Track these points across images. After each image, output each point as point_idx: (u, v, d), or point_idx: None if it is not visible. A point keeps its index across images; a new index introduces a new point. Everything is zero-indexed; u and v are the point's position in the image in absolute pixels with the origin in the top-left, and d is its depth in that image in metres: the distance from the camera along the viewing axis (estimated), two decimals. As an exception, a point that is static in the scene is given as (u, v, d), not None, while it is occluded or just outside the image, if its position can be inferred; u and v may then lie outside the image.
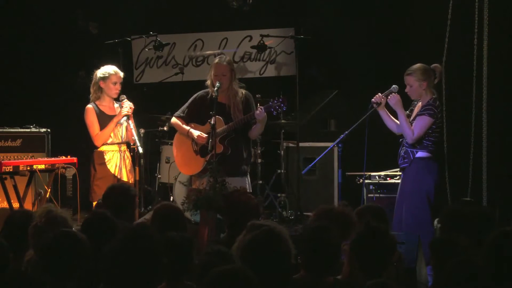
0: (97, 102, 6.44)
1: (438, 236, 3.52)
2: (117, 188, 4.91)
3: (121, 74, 6.50)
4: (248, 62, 8.97)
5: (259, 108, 5.87)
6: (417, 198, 5.94)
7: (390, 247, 3.46)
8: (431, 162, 6.02)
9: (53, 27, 8.62)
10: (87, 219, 3.99)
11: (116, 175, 6.41)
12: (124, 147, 6.50)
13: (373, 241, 3.38)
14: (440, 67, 6.20)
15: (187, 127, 6.07)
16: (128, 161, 6.51)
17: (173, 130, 7.95)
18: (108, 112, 6.44)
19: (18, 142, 7.38)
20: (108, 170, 6.39)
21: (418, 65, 6.12)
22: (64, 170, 6.57)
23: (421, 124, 5.95)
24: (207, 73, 6.26)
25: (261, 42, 8.27)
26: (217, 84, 5.89)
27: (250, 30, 8.86)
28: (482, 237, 3.53)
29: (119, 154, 6.44)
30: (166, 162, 7.91)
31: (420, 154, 6.01)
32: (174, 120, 6.25)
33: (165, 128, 8.05)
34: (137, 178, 6.50)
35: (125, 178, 6.44)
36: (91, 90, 6.47)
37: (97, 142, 6.41)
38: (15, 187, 6.59)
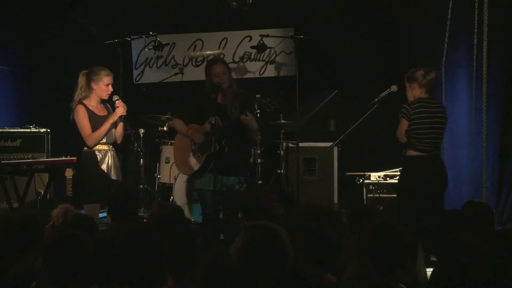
0: (85, 102, 6.39)
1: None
2: (120, 191, 4.89)
3: (113, 75, 6.48)
4: (248, 62, 8.97)
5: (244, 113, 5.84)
6: (407, 195, 6.06)
7: (406, 249, 3.32)
8: (420, 159, 6.06)
9: (53, 26, 8.62)
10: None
11: (109, 174, 6.38)
12: (112, 147, 6.48)
13: (386, 241, 3.28)
14: (424, 73, 6.20)
15: (186, 128, 6.08)
16: (116, 160, 6.50)
17: (172, 130, 7.97)
18: (97, 112, 6.40)
19: (18, 142, 7.38)
20: (101, 170, 6.35)
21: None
22: (64, 170, 6.55)
23: (399, 125, 6.16)
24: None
25: (261, 42, 8.27)
26: (217, 83, 5.91)
27: (249, 30, 8.86)
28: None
29: (110, 153, 6.42)
30: (166, 162, 7.91)
31: (409, 152, 6.15)
32: (174, 120, 6.26)
33: (164, 128, 8.05)
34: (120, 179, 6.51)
35: (114, 177, 6.41)
36: (79, 90, 6.38)
37: (90, 142, 6.32)
38: (15, 187, 6.59)
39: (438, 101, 6.24)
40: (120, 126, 6.44)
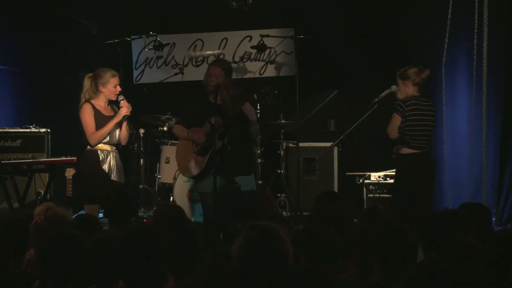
0: (93, 101, 6.38)
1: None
2: (114, 191, 4.88)
3: (118, 75, 6.47)
4: (248, 62, 8.97)
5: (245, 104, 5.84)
6: (404, 193, 6.09)
7: (409, 249, 3.35)
8: (414, 157, 6.10)
9: (53, 26, 8.62)
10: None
11: (109, 175, 6.36)
12: (115, 148, 6.46)
13: (389, 240, 3.30)
14: (418, 71, 6.23)
15: (187, 131, 6.07)
16: (119, 162, 6.48)
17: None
18: (104, 112, 6.38)
19: (18, 142, 7.38)
20: (102, 170, 6.34)
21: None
22: (64, 170, 6.54)
23: (391, 121, 6.20)
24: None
25: (261, 42, 8.27)
26: (216, 84, 5.91)
27: (250, 30, 8.86)
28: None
29: (112, 154, 6.40)
30: (166, 162, 7.91)
31: (402, 150, 6.19)
32: (175, 127, 6.26)
33: (164, 128, 8.05)
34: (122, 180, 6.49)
35: (115, 179, 6.39)
36: (84, 92, 6.33)
37: (93, 141, 6.29)
38: (15, 187, 6.59)
39: (429, 101, 6.29)
40: (124, 127, 6.41)
